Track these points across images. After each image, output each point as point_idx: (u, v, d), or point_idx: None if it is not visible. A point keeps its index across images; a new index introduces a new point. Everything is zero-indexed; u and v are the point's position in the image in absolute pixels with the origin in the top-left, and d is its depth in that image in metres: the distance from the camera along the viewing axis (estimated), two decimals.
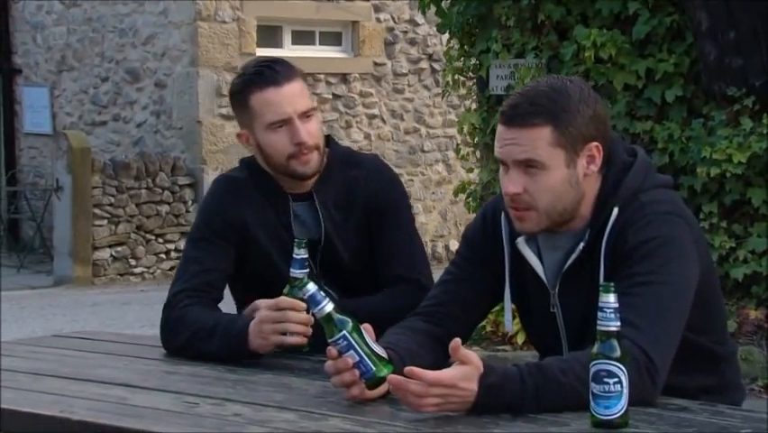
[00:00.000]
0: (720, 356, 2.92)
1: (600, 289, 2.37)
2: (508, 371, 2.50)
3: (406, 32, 14.54)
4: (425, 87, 14.68)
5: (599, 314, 2.36)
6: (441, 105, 14.34)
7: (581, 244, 2.76)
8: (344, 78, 14.11)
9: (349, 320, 2.60)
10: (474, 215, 5.05)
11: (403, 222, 3.44)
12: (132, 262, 12.82)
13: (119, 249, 12.73)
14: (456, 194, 9.63)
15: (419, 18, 14.16)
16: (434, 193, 14.71)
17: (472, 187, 9.15)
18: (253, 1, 13.33)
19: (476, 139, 9.14)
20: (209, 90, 13.14)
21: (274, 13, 13.54)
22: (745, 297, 7.64)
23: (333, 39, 14.25)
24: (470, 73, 9.11)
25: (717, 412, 2.51)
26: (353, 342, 2.58)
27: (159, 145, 13.53)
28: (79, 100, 14.46)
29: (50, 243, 13.38)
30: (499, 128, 2.76)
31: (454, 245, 12.85)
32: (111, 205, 12.66)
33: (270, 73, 3.30)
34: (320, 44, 14.13)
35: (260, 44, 13.39)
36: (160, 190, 12.94)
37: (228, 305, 3.37)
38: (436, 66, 14.18)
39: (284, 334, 3.04)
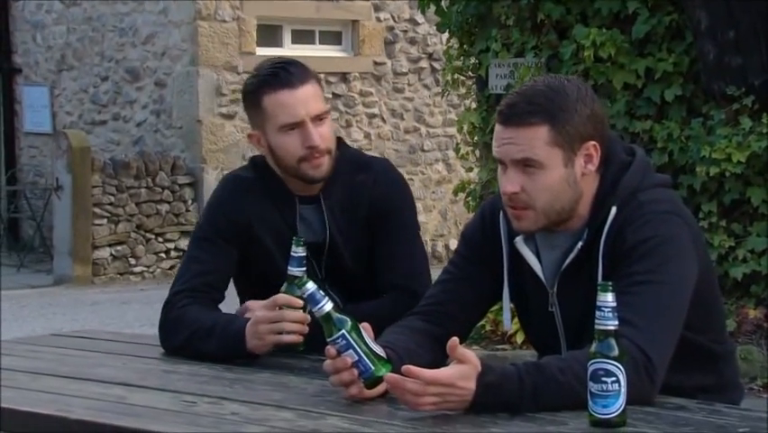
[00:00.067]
0: (719, 355, 2.92)
1: (598, 288, 2.37)
2: (506, 370, 2.49)
3: (406, 32, 14.54)
4: (425, 86, 14.68)
5: (597, 313, 2.36)
6: (441, 104, 14.34)
7: (580, 244, 2.76)
8: (344, 77, 14.11)
9: (348, 319, 2.59)
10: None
11: (406, 228, 3.38)
12: (132, 262, 12.82)
13: (119, 248, 12.73)
14: (456, 193, 9.62)
15: (419, 17, 14.15)
16: (433, 192, 14.71)
17: (472, 186, 9.15)
18: (253, 0, 13.33)
19: (476, 138, 9.14)
20: (209, 89, 13.13)
21: (274, 12, 13.54)
22: (745, 296, 7.64)
23: (332, 38, 14.24)
24: (470, 72, 9.12)
25: (714, 411, 2.51)
26: (352, 341, 2.58)
27: (159, 144, 13.53)
28: (79, 99, 14.46)
29: (49, 242, 13.38)
30: (497, 127, 2.75)
31: (454, 244, 12.81)
32: (111, 204, 12.66)
33: (285, 75, 3.27)
34: (320, 43, 14.13)
35: (260, 43, 13.38)
36: (160, 190, 12.93)
37: (229, 305, 3.36)
38: (436, 65, 14.16)
39: (280, 333, 3.03)
